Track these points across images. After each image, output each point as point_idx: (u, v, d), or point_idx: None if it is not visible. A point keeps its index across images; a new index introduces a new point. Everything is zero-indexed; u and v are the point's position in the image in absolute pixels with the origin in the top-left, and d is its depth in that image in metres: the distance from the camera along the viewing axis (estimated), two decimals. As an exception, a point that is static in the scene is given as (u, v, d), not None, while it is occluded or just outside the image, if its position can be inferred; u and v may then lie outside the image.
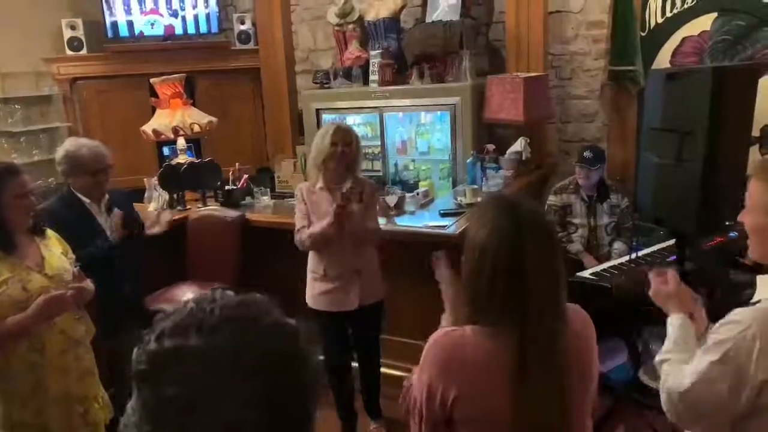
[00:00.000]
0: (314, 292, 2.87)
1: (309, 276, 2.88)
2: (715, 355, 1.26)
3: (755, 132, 3.43)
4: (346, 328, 2.94)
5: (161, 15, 5.08)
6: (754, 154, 3.50)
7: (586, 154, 3.49)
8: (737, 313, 1.28)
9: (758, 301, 1.30)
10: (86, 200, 2.69)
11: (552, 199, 3.64)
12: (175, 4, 5.08)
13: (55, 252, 2.22)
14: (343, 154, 2.68)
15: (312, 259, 2.87)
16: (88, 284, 2.19)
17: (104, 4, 4.94)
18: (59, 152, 2.69)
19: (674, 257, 2.79)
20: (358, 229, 2.70)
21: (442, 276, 1.75)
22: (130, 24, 5.05)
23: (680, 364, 1.38)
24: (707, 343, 1.31)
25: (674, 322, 1.50)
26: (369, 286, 2.81)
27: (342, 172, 2.73)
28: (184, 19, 5.11)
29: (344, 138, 2.69)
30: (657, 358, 1.47)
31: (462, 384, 1.27)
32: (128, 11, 5.01)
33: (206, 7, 5.13)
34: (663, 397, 1.40)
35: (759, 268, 1.49)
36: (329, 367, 2.94)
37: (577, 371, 1.30)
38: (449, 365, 1.28)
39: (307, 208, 2.79)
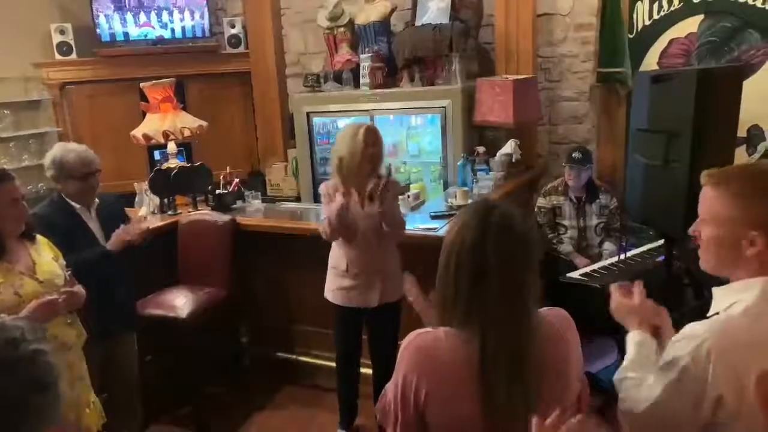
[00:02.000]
0: (333, 286, 2.89)
1: (330, 271, 2.91)
2: (672, 374, 1.24)
3: (742, 133, 3.48)
4: (361, 325, 2.96)
5: (153, 27, 5.09)
6: (741, 154, 3.55)
7: (575, 154, 3.52)
8: (691, 328, 1.25)
9: (715, 314, 1.27)
10: (77, 205, 2.69)
11: (541, 201, 3.67)
12: (165, 18, 5.09)
13: (46, 257, 2.22)
14: (372, 155, 2.74)
15: (334, 253, 2.89)
16: (80, 289, 2.19)
17: (104, 18, 4.95)
18: (47, 158, 2.68)
19: (663, 257, 2.82)
20: (389, 216, 2.73)
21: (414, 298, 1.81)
22: (126, 34, 5.06)
23: (639, 384, 1.33)
24: (663, 359, 1.28)
25: (634, 339, 1.45)
26: (390, 285, 2.81)
27: (369, 171, 2.76)
28: (173, 30, 5.13)
29: (372, 139, 2.74)
30: (616, 376, 1.42)
31: (433, 384, 1.28)
32: (124, 24, 5.03)
33: (192, 19, 5.14)
34: (621, 417, 1.36)
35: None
36: (338, 362, 3.04)
37: (553, 375, 1.30)
38: (421, 365, 1.30)
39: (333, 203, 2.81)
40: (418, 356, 1.31)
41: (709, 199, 1.30)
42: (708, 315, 1.30)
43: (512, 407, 1.24)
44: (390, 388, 1.37)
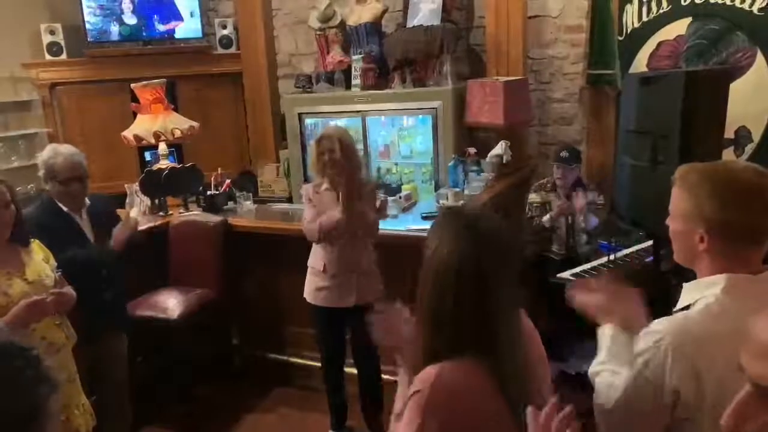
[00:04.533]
0: (312, 287, 2.93)
1: (309, 271, 2.96)
2: (635, 369, 1.27)
3: (729, 134, 3.50)
4: (343, 326, 2.99)
5: (144, 27, 5.07)
6: (729, 156, 3.58)
7: (563, 153, 3.55)
8: (654, 325, 1.29)
9: (684, 308, 1.31)
10: (64, 207, 2.68)
11: (533, 197, 3.69)
12: (156, 18, 5.07)
13: (36, 258, 2.21)
14: (332, 160, 2.78)
15: (313, 255, 2.94)
16: (70, 290, 2.18)
17: (94, 18, 4.92)
18: (40, 159, 2.70)
19: (651, 258, 2.85)
20: (359, 222, 2.78)
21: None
22: (116, 35, 5.03)
23: (612, 377, 1.36)
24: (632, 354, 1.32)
25: (605, 331, 1.46)
26: (367, 285, 2.87)
27: (340, 173, 2.79)
28: (164, 30, 5.12)
29: (327, 146, 2.80)
30: (590, 370, 1.44)
31: (466, 424, 1.20)
32: (114, 24, 5.01)
33: (183, 20, 5.13)
34: (595, 410, 1.38)
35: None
36: (323, 365, 3.08)
37: (535, 372, 1.30)
38: (449, 410, 1.19)
39: (314, 205, 2.88)
40: (442, 402, 1.19)
41: (673, 192, 1.34)
42: (674, 309, 1.34)
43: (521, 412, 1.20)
44: None
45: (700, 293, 1.28)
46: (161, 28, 5.13)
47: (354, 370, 3.08)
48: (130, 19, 5.04)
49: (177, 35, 5.15)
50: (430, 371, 1.22)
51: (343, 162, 2.78)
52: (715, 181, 1.26)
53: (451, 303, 1.22)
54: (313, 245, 2.91)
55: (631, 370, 1.29)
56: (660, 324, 1.28)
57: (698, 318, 1.25)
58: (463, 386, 1.21)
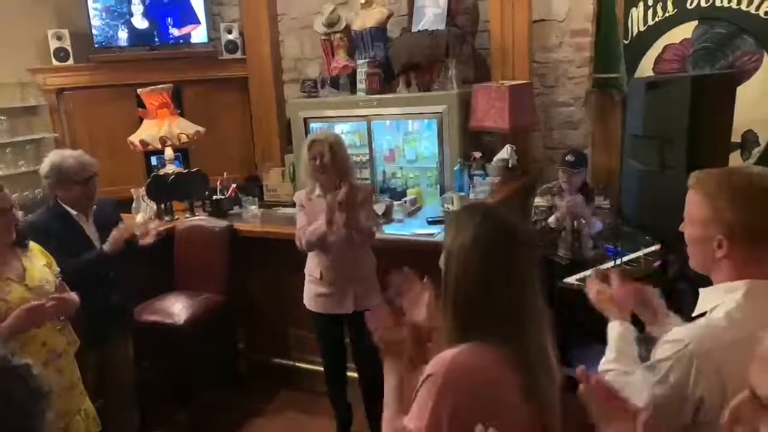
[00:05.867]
0: (310, 294, 2.93)
1: (306, 278, 2.94)
2: (657, 375, 1.28)
3: (736, 138, 3.49)
4: (342, 332, 2.98)
5: (150, 33, 5.10)
6: (736, 160, 3.57)
7: (568, 157, 3.53)
8: (675, 332, 1.29)
9: (701, 314, 1.31)
10: (73, 212, 2.68)
11: (538, 201, 3.67)
12: (163, 23, 5.10)
13: (38, 264, 2.20)
14: (323, 165, 2.76)
15: (309, 261, 2.92)
16: (71, 296, 2.16)
17: (101, 24, 4.95)
18: (45, 165, 2.67)
19: (659, 262, 2.84)
20: (354, 227, 2.75)
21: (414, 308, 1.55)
22: (123, 40, 5.06)
23: (623, 376, 1.37)
24: (651, 359, 1.32)
25: (615, 329, 1.48)
26: (365, 292, 2.84)
27: (332, 179, 2.76)
28: (170, 36, 5.15)
29: (318, 149, 2.78)
30: (600, 367, 1.45)
31: (482, 407, 1.18)
32: (121, 29, 5.05)
33: (189, 25, 5.16)
34: None
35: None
36: (325, 370, 3.09)
37: None
38: (463, 392, 1.18)
39: (307, 212, 2.87)
40: (461, 384, 1.18)
41: (689, 199, 1.34)
42: (693, 315, 1.33)
43: (549, 395, 1.25)
44: (422, 424, 1.20)
45: (719, 299, 1.28)
46: (175, 32, 5.13)
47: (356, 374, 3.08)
48: (141, 23, 5.06)
49: (183, 40, 5.16)
50: (445, 355, 1.21)
51: (334, 167, 2.76)
52: (735, 186, 1.27)
53: (473, 287, 1.23)
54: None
55: (649, 375, 1.30)
56: (681, 332, 1.28)
57: (721, 324, 1.25)
58: (480, 369, 1.19)
